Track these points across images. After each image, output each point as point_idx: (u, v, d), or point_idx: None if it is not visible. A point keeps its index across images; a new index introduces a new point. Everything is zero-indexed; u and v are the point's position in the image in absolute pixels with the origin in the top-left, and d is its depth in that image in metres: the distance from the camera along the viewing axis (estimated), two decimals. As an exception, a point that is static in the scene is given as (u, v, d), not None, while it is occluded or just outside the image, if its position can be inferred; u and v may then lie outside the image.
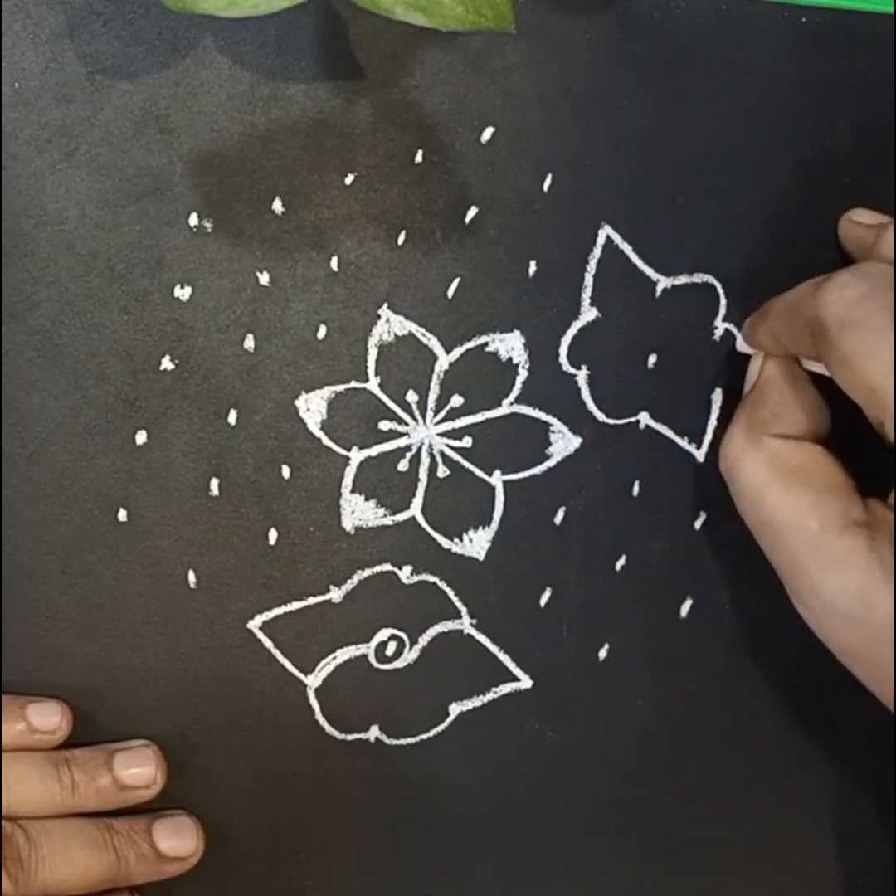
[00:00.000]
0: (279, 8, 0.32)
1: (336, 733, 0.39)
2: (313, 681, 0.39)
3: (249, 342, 0.38)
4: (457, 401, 0.38)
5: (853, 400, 0.33)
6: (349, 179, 0.37)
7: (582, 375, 0.39)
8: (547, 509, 0.39)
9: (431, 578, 0.39)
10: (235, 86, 0.37)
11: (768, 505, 0.35)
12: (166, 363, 0.37)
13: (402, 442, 0.38)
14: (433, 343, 0.38)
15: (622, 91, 0.38)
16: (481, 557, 0.39)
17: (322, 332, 0.38)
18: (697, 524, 0.40)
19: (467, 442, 0.39)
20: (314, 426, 0.38)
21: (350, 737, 0.39)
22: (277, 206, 0.37)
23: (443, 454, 0.39)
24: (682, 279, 0.39)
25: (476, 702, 0.39)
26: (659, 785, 0.40)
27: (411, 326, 0.38)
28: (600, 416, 0.39)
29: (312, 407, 0.38)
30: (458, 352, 0.38)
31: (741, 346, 0.39)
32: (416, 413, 0.38)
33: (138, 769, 0.37)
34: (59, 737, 0.37)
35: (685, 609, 0.40)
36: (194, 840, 0.38)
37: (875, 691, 0.34)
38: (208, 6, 0.32)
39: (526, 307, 0.38)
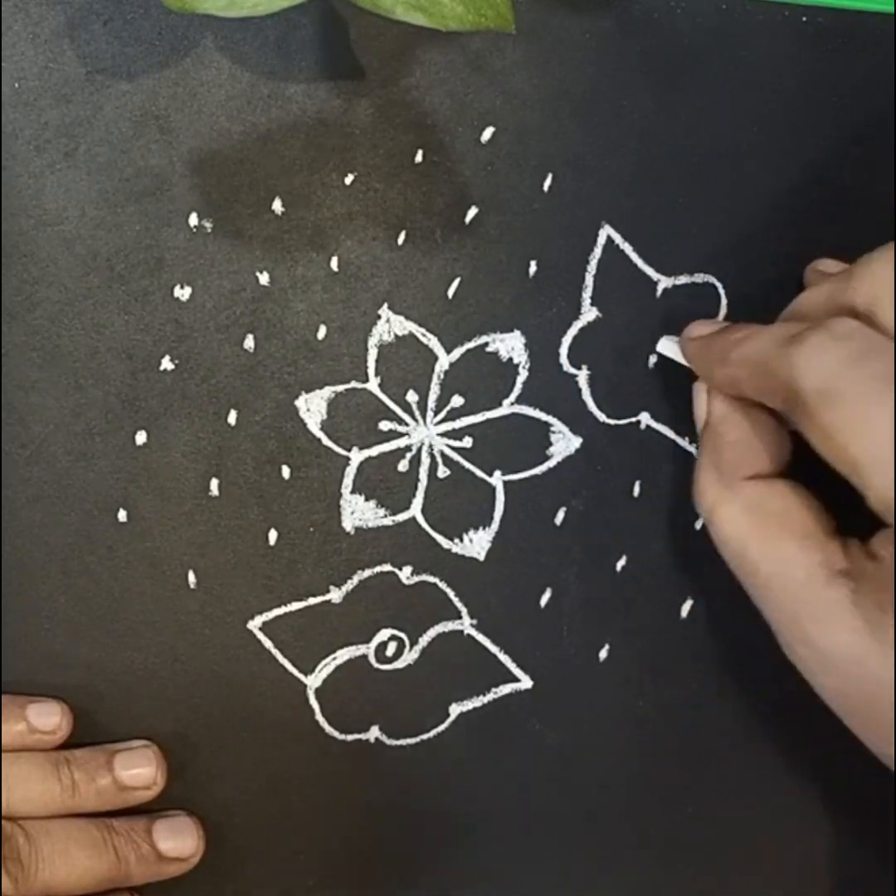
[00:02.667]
0: (279, 8, 0.32)
1: (336, 734, 0.39)
2: (313, 681, 0.39)
3: (249, 342, 0.38)
4: (457, 401, 0.38)
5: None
6: (349, 179, 0.37)
7: (582, 375, 0.39)
8: (547, 509, 0.39)
9: (432, 579, 0.39)
10: (235, 86, 0.37)
11: (751, 557, 0.34)
12: (166, 363, 0.37)
13: (402, 442, 0.38)
14: (433, 343, 0.38)
15: (622, 91, 0.38)
16: (481, 558, 0.39)
17: (322, 332, 0.38)
18: (698, 525, 0.40)
19: (467, 442, 0.39)
20: (314, 426, 0.38)
21: (350, 737, 0.39)
22: (277, 205, 0.37)
23: (443, 454, 0.39)
24: (683, 279, 0.39)
25: (476, 702, 0.39)
26: (659, 785, 0.40)
27: (411, 326, 0.38)
28: (601, 417, 0.39)
29: (312, 407, 0.38)
30: (458, 352, 0.38)
31: (666, 348, 0.38)
32: (417, 413, 0.38)
33: (138, 770, 0.37)
34: (60, 737, 0.37)
35: (686, 609, 0.40)
36: (194, 840, 0.38)
37: (872, 747, 0.33)
38: (208, 6, 0.32)
39: (526, 307, 0.38)
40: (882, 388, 0.30)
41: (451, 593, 0.39)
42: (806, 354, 0.31)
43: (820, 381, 0.31)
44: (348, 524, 0.38)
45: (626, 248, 0.39)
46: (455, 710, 0.39)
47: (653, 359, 0.39)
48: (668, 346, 0.38)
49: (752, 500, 0.34)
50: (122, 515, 0.38)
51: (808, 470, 0.34)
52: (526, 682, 0.40)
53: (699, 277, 0.39)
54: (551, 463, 0.39)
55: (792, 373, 0.31)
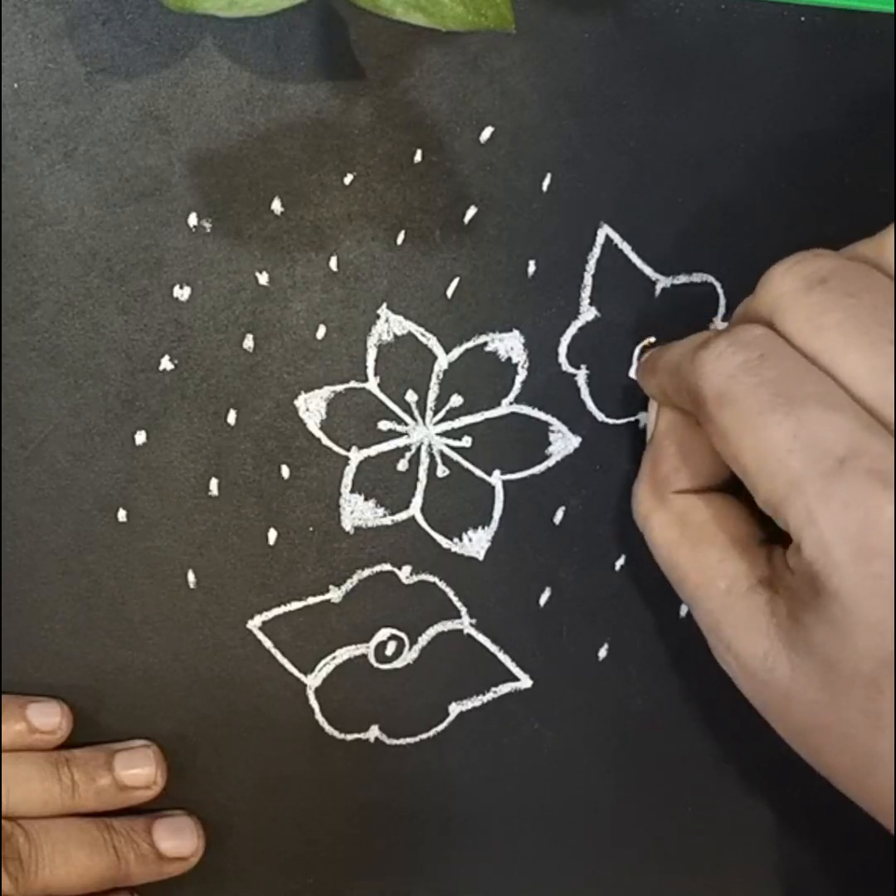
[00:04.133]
0: (279, 8, 0.32)
1: (336, 733, 0.39)
2: (313, 681, 0.39)
3: (249, 342, 0.38)
4: (456, 400, 0.38)
5: None
6: (348, 179, 0.37)
7: (581, 375, 0.39)
8: (546, 509, 0.39)
9: (431, 578, 0.39)
10: (234, 86, 0.37)
11: (680, 566, 0.34)
12: (165, 363, 0.37)
13: (401, 442, 0.38)
14: (432, 343, 0.38)
15: (621, 90, 0.38)
16: (481, 557, 0.39)
17: (321, 331, 0.38)
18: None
19: (467, 441, 0.39)
20: (313, 426, 0.38)
21: (350, 737, 0.39)
22: (276, 205, 0.37)
23: (442, 454, 0.39)
24: (682, 278, 0.39)
25: (476, 701, 0.39)
26: (658, 784, 0.40)
27: (410, 326, 0.38)
28: (600, 416, 0.39)
29: (312, 407, 0.38)
30: (457, 351, 0.38)
31: (634, 373, 0.39)
32: (416, 413, 0.38)
33: (138, 770, 0.37)
34: (60, 737, 0.37)
35: (684, 608, 0.40)
36: (194, 840, 0.38)
37: (794, 748, 0.33)
38: (208, 6, 0.32)
39: (525, 307, 0.38)
40: (772, 396, 0.30)
41: (450, 593, 0.39)
42: (707, 359, 0.32)
43: (717, 384, 0.31)
44: (348, 524, 0.38)
45: (625, 247, 0.39)
46: (455, 709, 0.39)
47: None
48: (634, 372, 0.39)
49: (680, 512, 0.35)
50: (121, 515, 0.38)
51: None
52: (525, 682, 0.40)
53: (698, 277, 0.39)
54: (550, 462, 0.39)
55: (694, 375, 0.32)
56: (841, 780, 0.32)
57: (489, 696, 0.39)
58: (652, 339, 0.39)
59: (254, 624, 0.38)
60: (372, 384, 0.38)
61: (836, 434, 0.29)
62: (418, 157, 0.38)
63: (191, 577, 0.38)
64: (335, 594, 0.39)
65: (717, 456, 0.35)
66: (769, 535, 0.34)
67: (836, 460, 0.29)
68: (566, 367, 0.39)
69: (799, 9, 0.39)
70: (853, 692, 0.30)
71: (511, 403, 0.39)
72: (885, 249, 0.32)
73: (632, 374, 0.39)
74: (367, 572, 0.39)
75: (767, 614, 0.32)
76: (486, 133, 0.38)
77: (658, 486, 0.36)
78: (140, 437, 0.38)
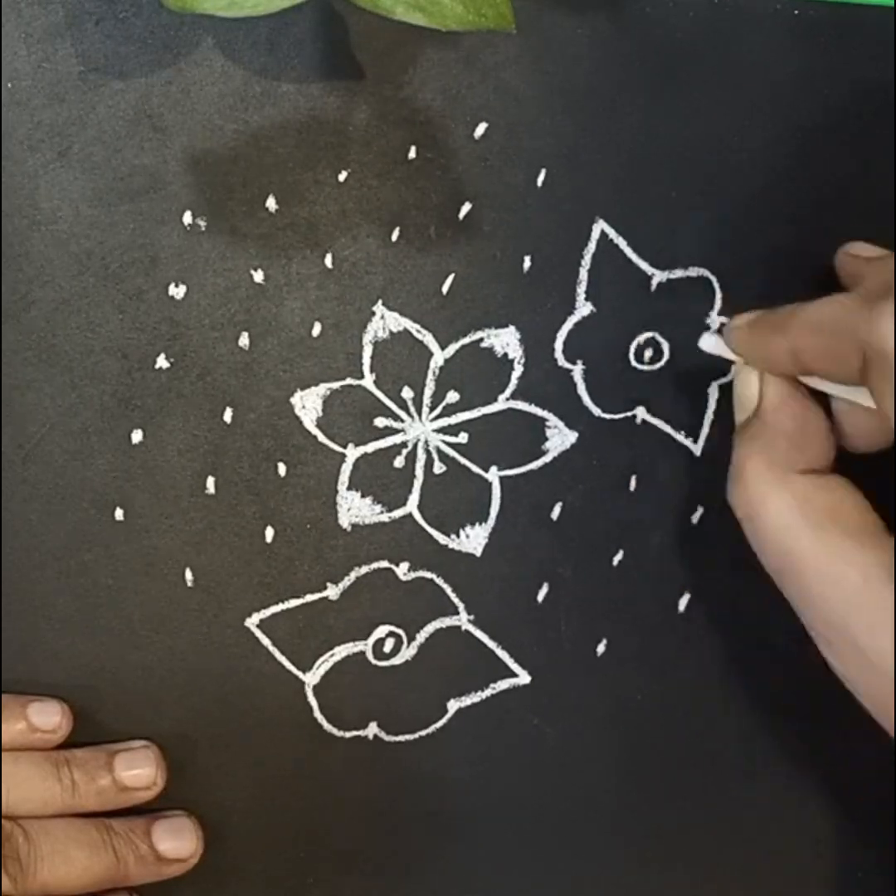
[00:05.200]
0: (279, 8, 0.32)
1: (334, 731, 0.39)
2: (311, 678, 0.39)
3: (244, 340, 0.38)
4: (452, 397, 0.38)
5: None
6: (343, 176, 0.37)
7: (577, 370, 0.39)
8: (543, 505, 0.39)
9: (428, 575, 0.39)
10: (228, 84, 0.37)
11: (798, 553, 0.32)
12: (161, 362, 0.37)
13: (397, 438, 0.38)
14: (428, 339, 0.38)
15: (616, 85, 0.38)
16: (478, 553, 0.39)
17: (317, 329, 0.38)
18: (695, 518, 0.39)
19: (463, 438, 0.39)
20: (310, 423, 0.38)
21: (348, 734, 0.39)
22: (271, 203, 0.37)
23: (439, 450, 0.39)
24: (677, 273, 0.39)
25: (474, 698, 0.39)
26: (657, 780, 0.40)
27: (406, 323, 0.38)
28: (596, 411, 0.39)
29: (308, 404, 0.38)
30: (453, 348, 0.38)
31: (708, 344, 0.36)
32: (412, 409, 0.38)
33: (139, 770, 0.38)
34: (60, 736, 0.37)
35: (683, 603, 0.40)
36: (193, 841, 0.38)
37: None
38: (208, 6, 0.32)
39: (521, 303, 0.38)
40: None
41: (448, 589, 0.39)
42: (887, 318, 0.30)
43: None
44: (345, 521, 0.38)
45: (620, 242, 0.39)
46: (453, 705, 0.39)
47: (648, 352, 0.39)
48: (709, 342, 0.36)
49: (806, 494, 0.32)
50: (118, 514, 0.38)
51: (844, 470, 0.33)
52: (524, 678, 0.39)
53: (693, 271, 0.39)
54: (547, 458, 0.39)
55: (875, 334, 0.30)
56: None
57: (488, 692, 0.39)
58: (649, 335, 0.38)
59: (252, 622, 0.38)
60: (368, 381, 0.38)
61: None
62: (412, 153, 0.38)
63: (188, 575, 0.38)
64: (333, 591, 0.39)
65: (828, 437, 0.33)
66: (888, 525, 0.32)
67: None
68: (562, 362, 0.39)
69: (793, 3, 0.39)
70: None
71: (507, 399, 0.39)
72: None
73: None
74: (364, 569, 0.39)
75: None
76: (481, 129, 0.38)
77: (775, 465, 0.33)
78: (136, 436, 0.38)
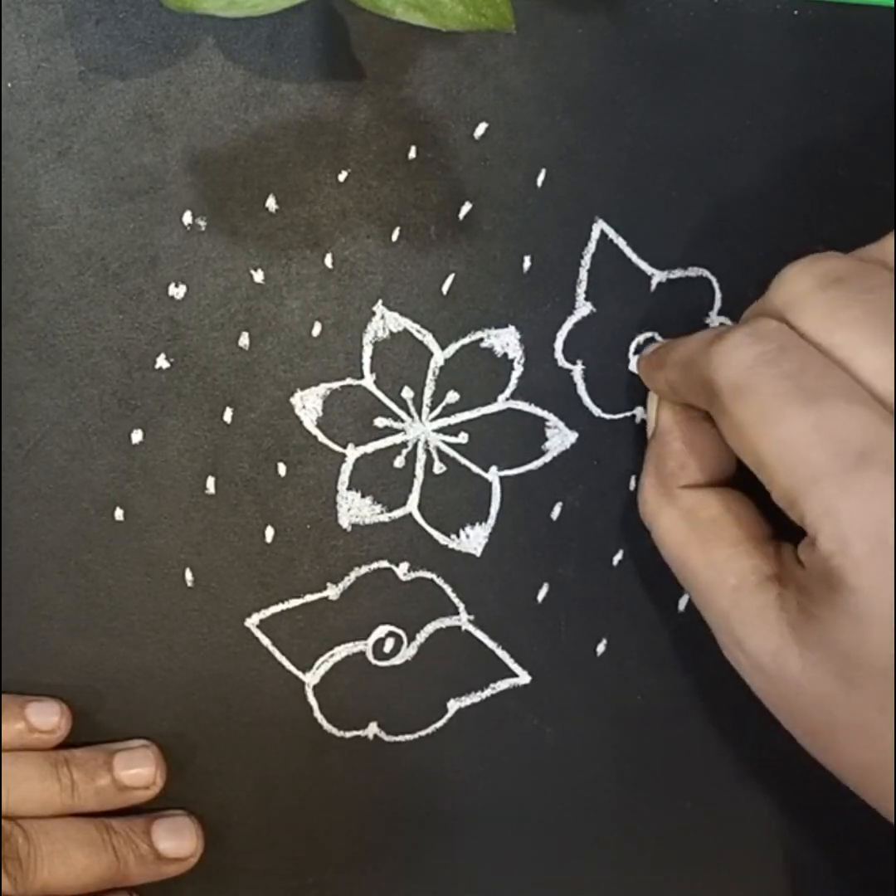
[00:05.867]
0: (279, 8, 0.32)
1: (334, 731, 0.39)
2: (311, 678, 0.39)
3: (244, 340, 0.38)
4: (452, 397, 0.38)
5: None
6: (343, 176, 0.37)
7: (577, 370, 0.39)
8: (544, 505, 0.39)
9: (428, 575, 0.39)
10: (228, 84, 0.37)
11: (689, 564, 0.34)
12: (161, 362, 0.37)
13: (397, 438, 0.38)
14: (428, 339, 0.38)
15: (616, 85, 0.38)
16: (478, 553, 0.39)
17: (317, 329, 0.38)
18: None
19: (463, 438, 0.39)
20: (310, 423, 0.38)
21: (348, 734, 0.39)
22: (271, 203, 0.37)
23: (439, 450, 0.39)
24: (677, 273, 0.39)
25: (474, 698, 0.39)
26: (657, 780, 0.40)
27: (406, 323, 0.38)
28: (596, 411, 0.39)
29: (308, 404, 0.38)
30: (453, 348, 0.38)
31: (635, 368, 0.39)
32: (412, 409, 0.38)
33: (138, 770, 0.37)
34: (59, 736, 0.37)
35: (683, 603, 0.40)
36: (193, 841, 0.38)
37: (805, 747, 0.33)
38: (208, 6, 0.32)
39: (521, 303, 0.38)
40: (793, 388, 0.30)
41: (448, 589, 0.39)
42: (724, 350, 0.32)
43: (734, 375, 0.31)
44: (345, 521, 0.38)
45: (620, 242, 0.39)
46: (453, 706, 0.39)
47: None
48: (635, 367, 0.39)
49: (689, 508, 0.35)
50: (118, 514, 0.38)
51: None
52: (524, 678, 0.39)
53: (693, 271, 0.39)
54: (547, 458, 0.39)
55: (710, 367, 0.32)
56: (854, 779, 0.32)
57: (488, 692, 0.39)
58: (649, 335, 0.39)
59: (252, 622, 0.38)
60: (368, 381, 0.38)
61: (857, 427, 0.29)
62: (412, 153, 0.38)
63: (188, 575, 0.38)
64: (333, 591, 0.39)
65: (722, 451, 0.35)
66: (776, 532, 0.34)
67: (857, 454, 0.29)
68: (562, 362, 0.39)
69: (793, 3, 0.39)
70: (869, 687, 0.30)
71: (507, 399, 0.39)
72: (892, 252, 0.32)
73: (632, 368, 0.39)
74: (364, 569, 0.39)
75: (777, 610, 0.32)
76: (481, 129, 0.38)
77: (664, 481, 0.36)
78: (136, 436, 0.38)
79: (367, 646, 0.39)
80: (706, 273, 0.39)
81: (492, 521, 0.39)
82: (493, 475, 0.39)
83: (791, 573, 0.32)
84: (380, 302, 0.38)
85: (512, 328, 0.38)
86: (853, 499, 0.29)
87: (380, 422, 0.38)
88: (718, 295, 0.39)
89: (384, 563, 0.39)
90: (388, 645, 0.39)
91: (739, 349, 0.31)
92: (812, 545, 0.30)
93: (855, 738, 0.31)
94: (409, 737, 0.39)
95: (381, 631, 0.39)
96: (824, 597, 0.30)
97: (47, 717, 0.37)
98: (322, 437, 0.38)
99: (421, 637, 0.39)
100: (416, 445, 0.38)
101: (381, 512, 0.38)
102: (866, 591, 0.29)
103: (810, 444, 0.30)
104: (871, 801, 0.33)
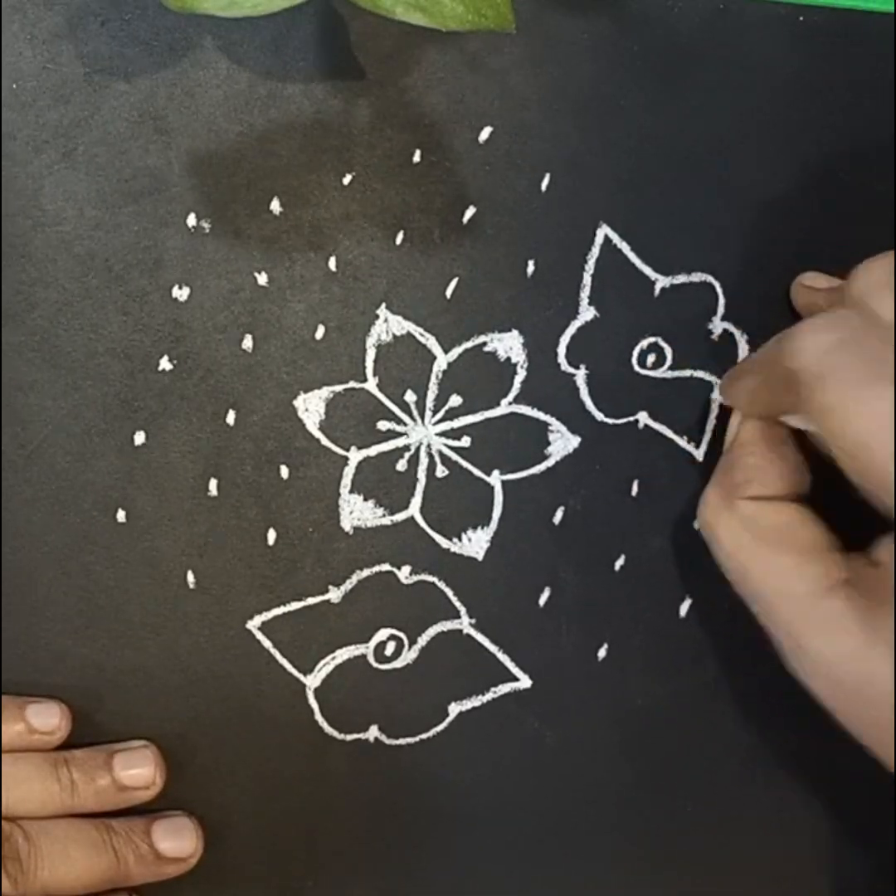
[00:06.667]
0: (279, 8, 0.32)
1: (335, 733, 0.39)
2: (312, 681, 0.39)
3: (248, 342, 0.38)
4: (455, 400, 0.38)
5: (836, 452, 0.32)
6: (347, 179, 0.37)
7: (580, 375, 0.39)
8: (546, 509, 0.39)
9: (430, 578, 0.39)
10: (233, 86, 0.37)
11: (750, 570, 0.34)
12: (164, 363, 0.37)
13: (400, 442, 0.38)
14: (431, 343, 0.38)
15: (620, 90, 0.38)
16: (480, 557, 0.39)
17: (320, 332, 0.38)
18: (696, 524, 0.39)
19: (466, 442, 0.39)
20: (312, 426, 0.38)
21: (349, 737, 0.39)
22: (275, 206, 0.37)
23: (441, 454, 0.39)
24: (681, 278, 0.39)
25: (475, 701, 0.39)
26: (658, 784, 0.40)
27: (409, 326, 0.38)
28: (599, 416, 0.39)
29: (311, 407, 0.38)
30: (456, 351, 0.38)
31: (718, 397, 0.39)
32: (415, 413, 0.38)
33: (138, 770, 0.37)
34: (59, 737, 0.37)
35: (684, 608, 0.40)
36: (193, 841, 0.38)
37: (875, 751, 0.33)
38: (208, 6, 0.32)
39: (524, 307, 0.38)
40: (876, 369, 0.30)
41: (449, 593, 0.39)
42: (801, 337, 0.32)
43: (815, 360, 0.31)
44: (347, 524, 0.38)
45: (624, 247, 0.39)
46: (454, 709, 0.39)
47: (651, 357, 0.39)
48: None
49: (750, 516, 0.35)
50: (120, 515, 0.38)
51: (828, 496, 0.34)
52: (525, 682, 0.40)
53: (696, 276, 0.39)
54: (549, 462, 0.39)
55: (789, 357, 0.32)
56: None
57: (488, 696, 0.39)
58: (653, 339, 0.39)
59: (253, 624, 0.38)
60: (371, 384, 0.38)
61: None
62: (417, 157, 0.38)
63: (190, 577, 0.38)
64: (334, 594, 0.39)
65: (797, 469, 0.35)
66: (843, 544, 0.34)
67: None
68: (565, 366, 0.39)
69: (797, 8, 0.39)
70: None
71: (510, 403, 0.39)
72: None
73: (636, 370, 0.39)
74: (366, 572, 0.39)
75: (850, 611, 0.32)
76: (485, 133, 0.38)
77: (728, 492, 0.36)
78: (139, 438, 0.38)
79: (368, 649, 0.39)
80: (709, 278, 0.39)
81: (494, 524, 0.39)
82: (495, 479, 0.39)
83: (861, 576, 0.32)
84: (383, 305, 0.38)
85: (515, 332, 0.38)
86: None
87: (382, 425, 0.38)
88: (722, 300, 0.39)
89: (386, 567, 0.39)
90: (390, 648, 0.39)
91: (817, 334, 0.32)
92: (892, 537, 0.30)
93: None
94: (409, 740, 0.39)
95: (382, 634, 0.39)
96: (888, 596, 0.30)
97: (47, 719, 0.37)
98: (325, 440, 0.38)
99: (422, 640, 0.39)
100: (418, 449, 0.38)
101: (384, 515, 0.38)
102: None
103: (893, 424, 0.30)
104: None
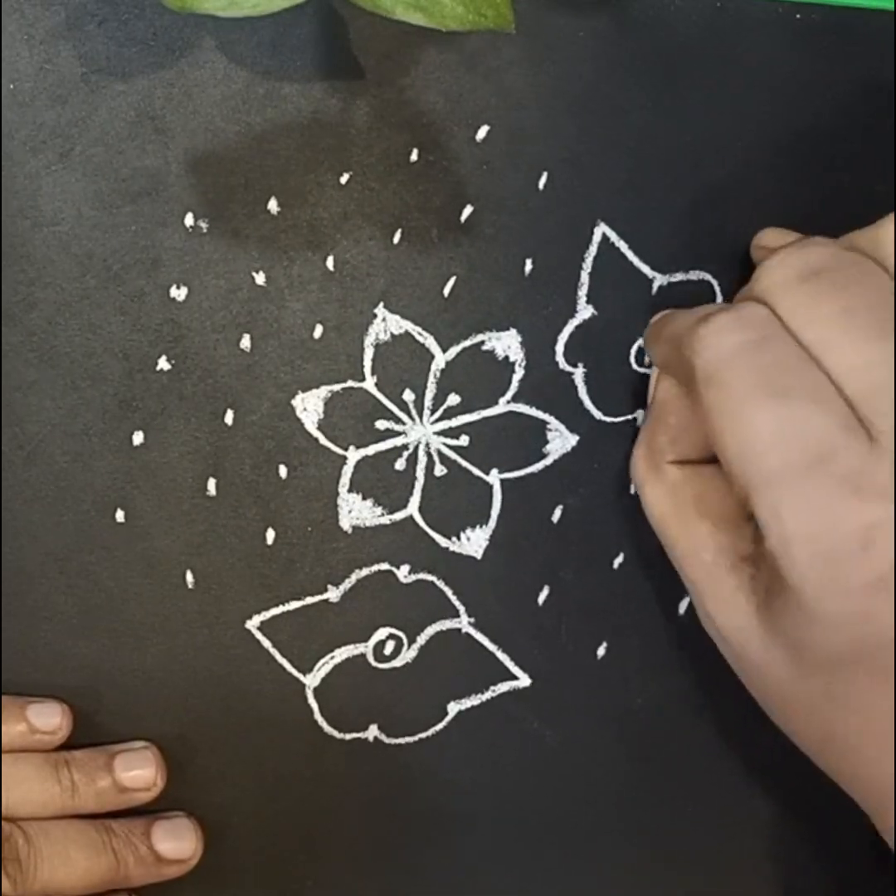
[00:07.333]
0: (279, 8, 0.32)
1: (335, 733, 0.39)
2: (312, 680, 0.39)
3: (246, 342, 0.38)
4: (453, 399, 0.38)
5: None
6: (345, 179, 0.37)
7: (578, 373, 0.39)
8: (544, 507, 0.39)
9: (429, 577, 0.39)
10: (230, 86, 0.37)
11: (670, 535, 0.35)
12: (163, 363, 0.37)
13: (398, 441, 0.38)
14: (430, 342, 0.38)
15: (618, 88, 0.38)
16: (479, 556, 0.39)
17: (318, 331, 0.38)
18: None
19: (464, 440, 0.39)
20: (311, 426, 0.38)
21: (349, 736, 0.39)
22: (273, 205, 0.37)
23: (440, 453, 0.39)
24: (679, 276, 0.39)
25: (474, 700, 0.39)
26: (657, 783, 0.40)
27: (407, 325, 0.38)
28: (597, 414, 0.39)
29: (309, 406, 0.38)
30: (454, 350, 0.38)
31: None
32: (413, 412, 0.38)
33: (139, 772, 0.37)
34: (60, 737, 0.37)
35: (683, 606, 0.40)
36: (193, 842, 0.38)
37: (768, 713, 0.35)
38: (208, 6, 0.32)
39: (522, 305, 0.38)
40: (764, 382, 0.30)
41: (448, 592, 0.39)
42: (706, 333, 0.32)
43: (712, 361, 0.31)
44: (346, 523, 0.38)
45: (622, 245, 0.39)
46: (453, 708, 0.39)
47: (648, 356, 0.39)
48: None
49: (674, 483, 0.35)
50: (119, 516, 0.38)
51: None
52: (524, 680, 0.40)
53: (694, 275, 0.39)
54: (548, 461, 0.39)
55: (691, 349, 0.32)
56: (807, 751, 0.34)
57: (488, 694, 0.39)
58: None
59: (252, 624, 0.38)
60: (369, 383, 0.38)
61: (816, 432, 0.30)
62: (415, 156, 0.38)
63: (189, 577, 0.38)
64: (333, 594, 0.39)
65: None
66: None
67: (811, 460, 0.30)
68: (563, 365, 0.39)
69: (794, 6, 0.39)
70: (815, 676, 0.31)
71: (508, 402, 0.39)
72: (882, 242, 0.32)
73: (635, 368, 0.39)
74: (365, 572, 0.39)
75: (747, 591, 0.33)
76: (483, 132, 0.38)
77: (654, 455, 0.36)
78: (138, 438, 0.38)
79: (367, 648, 0.39)
80: (707, 276, 0.39)
81: (492, 523, 0.39)
82: (493, 478, 0.39)
83: (764, 554, 0.32)
84: (381, 304, 0.38)
85: (513, 331, 0.38)
86: (800, 506, 0.30)
87: (381, 424, 0.38)
88: (719, 298, 0.39)
89: (385, 566, 0.39)
90: (389, 647, 0.39)
91: (721, 335, 0.32)
92: (764, 540, 0.31)
93: (805, 717, 0.33)
94: (409, 739, 0.39)
95: (381, 633, 0.39)
96: (778, 588, 0.31)
97: (48, 719, 0.37)
98: (323, 440, 0.38)
99: (421, 639, 0.39)
100: (417, 448, 0.38)
101: (382, 514, 0.38)
102: (806, 593, 0.30)
103: (768, 444, 0.30)
104: (830, 775, 0.34)
